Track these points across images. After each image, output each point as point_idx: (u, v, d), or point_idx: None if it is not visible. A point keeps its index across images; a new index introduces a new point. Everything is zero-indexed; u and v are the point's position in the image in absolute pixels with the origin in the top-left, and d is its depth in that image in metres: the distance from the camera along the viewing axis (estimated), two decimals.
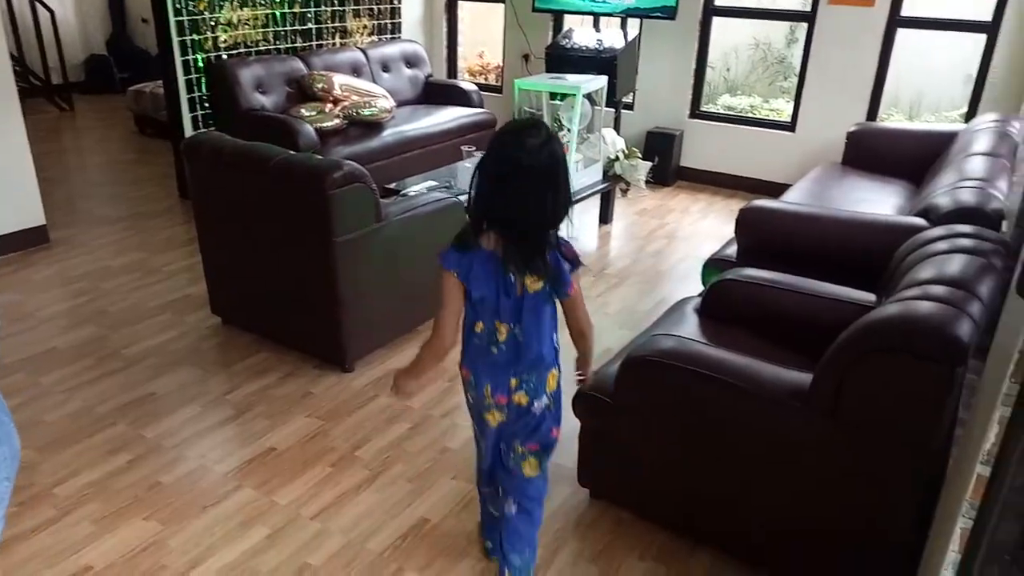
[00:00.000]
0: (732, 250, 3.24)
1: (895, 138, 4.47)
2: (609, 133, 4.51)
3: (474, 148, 4.51)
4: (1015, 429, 1.01)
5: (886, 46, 4.75)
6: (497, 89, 6.41)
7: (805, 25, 5.03)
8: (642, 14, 5.11)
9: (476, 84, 6.10)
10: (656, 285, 3.95)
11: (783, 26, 7.24)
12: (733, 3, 5.46)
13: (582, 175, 4.22)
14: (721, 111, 5.87)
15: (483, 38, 7.16)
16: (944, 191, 2.91)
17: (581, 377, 1.95)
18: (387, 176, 4.47)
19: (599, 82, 4.26)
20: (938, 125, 4.72)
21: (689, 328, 2.49)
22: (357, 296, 2.89)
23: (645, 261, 4.25)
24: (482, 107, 5.70)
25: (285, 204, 2.85)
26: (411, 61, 5.90)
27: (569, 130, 4.17)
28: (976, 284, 1.84)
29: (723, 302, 2.57)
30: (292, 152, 2.86)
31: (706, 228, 4.76)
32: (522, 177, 1.57)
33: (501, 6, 6.08)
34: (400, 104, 5.49)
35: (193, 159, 3.09)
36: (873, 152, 4.41)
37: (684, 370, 1.97)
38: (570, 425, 2.08)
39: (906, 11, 4.65)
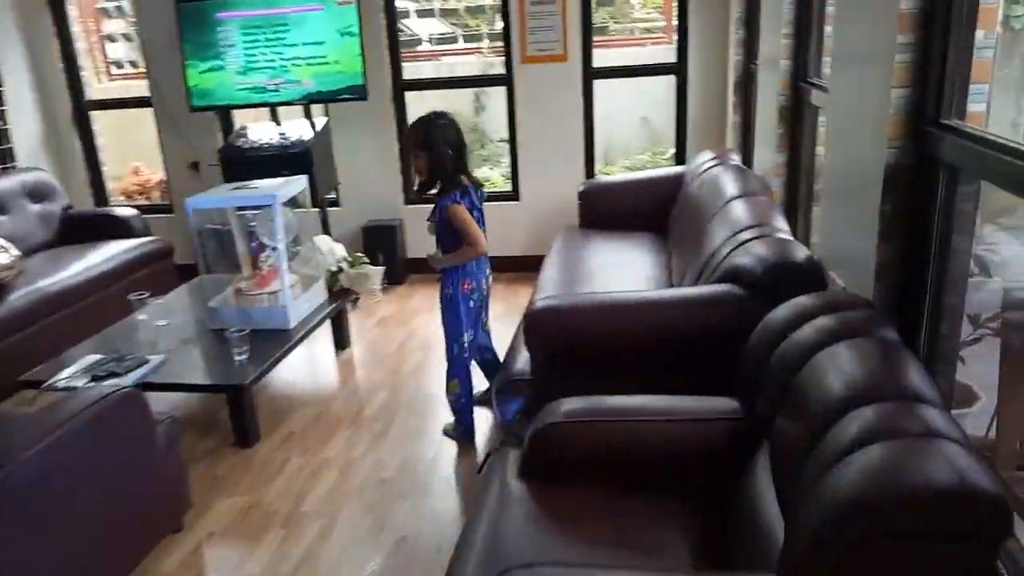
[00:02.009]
0: (521, 364, 2.60)
1: (624, 191, 4.29)
2: (324, 241, 3.67)
3: (147, 294, 3.35)
4: None
5: (587, 99, 4.58)
6: (167, 209, 5.21)
7: (503, 89, 4.68)
8: (327, 98, 4.39)
9: (136, 207, 4.87)
10: (431, 419, 3.15)
11: (469, 96, 7.06)
12: (421, 76, 5.02)
13: (302, 302, 3.31)
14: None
15: (135, 150, 5.92)
16: (733, 248, 2.53)
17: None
18: (25, 360, 3.12)
19: (298, 184, 3.42)
20: (659, 170, 4.64)
21: (519, 511, 1.75)
22: None
23: (406, 387, 3.45)
24: (150, 234, 4.51)
25: None
26: (38, 193, 4.52)
27: (274, 249, 3.26)
28: (916, 387, 1.34)
29: (552, 457, 1.88)
30: None
31: None
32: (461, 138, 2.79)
33: (149, 110, 4.96)
34: (30, 252, 4.11)
35: None
36: (607, 209, 4.16)
37: None
38: None
39: (597, 62, 4.54)
